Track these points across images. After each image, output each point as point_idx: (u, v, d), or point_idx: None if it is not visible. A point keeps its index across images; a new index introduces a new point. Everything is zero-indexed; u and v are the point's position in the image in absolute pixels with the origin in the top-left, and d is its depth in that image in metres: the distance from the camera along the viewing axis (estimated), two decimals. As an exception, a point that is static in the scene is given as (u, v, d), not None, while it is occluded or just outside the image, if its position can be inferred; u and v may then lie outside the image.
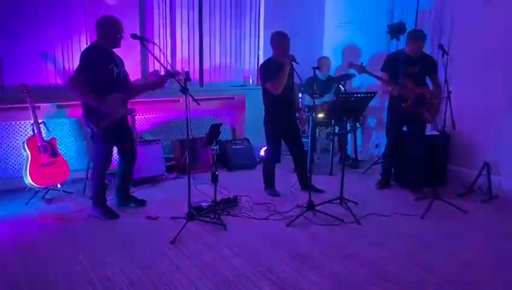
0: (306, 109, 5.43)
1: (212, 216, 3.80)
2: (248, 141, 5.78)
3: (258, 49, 6.29)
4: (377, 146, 6.04)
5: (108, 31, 3.61)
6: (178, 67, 5.52)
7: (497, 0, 4.47)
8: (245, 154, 5.64)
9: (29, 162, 4.15)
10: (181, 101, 5.13)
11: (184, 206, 3.85)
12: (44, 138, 4.27)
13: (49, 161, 4.24)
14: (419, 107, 4.34)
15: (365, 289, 2.77)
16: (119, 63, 3.75)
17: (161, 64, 3.84)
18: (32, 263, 3.02)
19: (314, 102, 4.26)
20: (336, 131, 5.64)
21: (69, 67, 4.91)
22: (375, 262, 3.12)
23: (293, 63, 4.19)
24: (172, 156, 5.38)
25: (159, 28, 5.44)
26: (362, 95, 4.07)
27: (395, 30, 5.28)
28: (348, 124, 5.56)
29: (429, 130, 4.91)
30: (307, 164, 4.69)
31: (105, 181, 3.97)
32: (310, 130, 5.20)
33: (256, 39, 6.26)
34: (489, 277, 2.96)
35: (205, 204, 3.96)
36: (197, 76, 5.80)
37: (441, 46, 4.16)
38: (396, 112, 4.53)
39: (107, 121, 3.59)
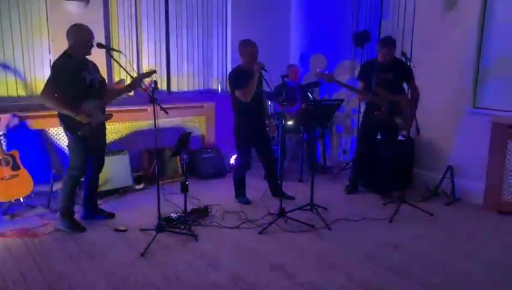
0: (275, 116, 5.47)
1: (183, 227, 3.74)
2: (218, 149, 5.75)
3: (226, 57, 6.29)
4: (344, 152, 6.15)
5: (79, 39, 3.56)
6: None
7: (455, 9, 4.65)
8: (215, 163, 5.61)
9: (-11, 176, 3.97)
10: (148, 110, 5.05)
11: (153, 217, 3.78)
12: (5, 151, 4.10)
13: (10, 174, 4.08)
14: (392, 115, 4.38)
15: (338, 294, 2.79)
16: (92, 69, 3.69)
17: (127, 72, 3.78)
18: (-6, 282, 2.89)
19: (283, 109, 4.29)
20: (305, 138, 5.69)
21: (30, 78, 4.76)
22: (347, 267, 3.15)
23: (262, 71, 4.22)
24: (140, 166, 5.27)
25: (125, 36, 5.35)
26: (330, 102, 4.14)
27: (360, 38, 5.41)
28: (317, 131, 5.64)
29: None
30: (277, 171, 4.71)
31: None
32: (279, 137, 5.23)
33: (224, 47, 6.27)
34: (458, 278, 3.05)
35: (175, 215, 3.90)
36: (164, 84, 5.74)
37: (404, 54, 4.29)
38: (371, 119, 4.59)
39: (84, 129, 3.53)
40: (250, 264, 3.19)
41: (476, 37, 4.54)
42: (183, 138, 3.71)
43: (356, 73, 4.92)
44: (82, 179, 3.88)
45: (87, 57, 3.70)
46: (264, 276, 3.01)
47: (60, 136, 4.80)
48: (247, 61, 4.32)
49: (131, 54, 5.38)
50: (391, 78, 4.42)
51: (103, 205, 4.32)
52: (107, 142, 4.21)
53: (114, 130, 5.19)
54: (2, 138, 4.17)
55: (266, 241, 3.60)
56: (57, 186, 4.46)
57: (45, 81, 3.57)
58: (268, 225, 3.80)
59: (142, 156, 5.27)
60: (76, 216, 3.88)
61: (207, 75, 6.18)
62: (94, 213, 4.04)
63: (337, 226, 3.92)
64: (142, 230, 3.76)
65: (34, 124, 4.60)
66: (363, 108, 4.94)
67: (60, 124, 3.63)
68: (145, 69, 5.40)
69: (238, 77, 4.29)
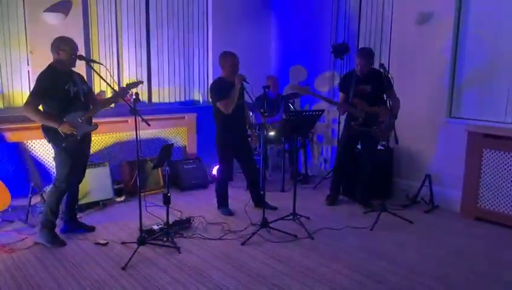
0: (257, 127, 5.50)
1: (165, 239, 3.72)
2: (200, 160, 5.74)
3: (208, 68, 6.31)
4: (325, 161, 6.21)
5: (63, 52, 3.56)
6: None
7: (430, 22, 4.80)
8: (197, 174, 5.59)
9: (-36, 191, 3.87)
10: (129, 121, 5.02)
11: (135, 230, 3.74)
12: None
13: (-13, 188, 3.98)
14: (369, 125, 4.45)
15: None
16: (78, 81, 3.68)
17: (108, 84, 3.76)
18: (-30, 300, 2.81)
19: (265, 120, 4.33)
20: (286, 148, 5.74)
21: (8, 90, 4.68)
22: (330, 276, 3.18)
23: (244, 82, 4.25)
24: (121, 178, 5.22)
25: (105, 47, 5.32)
26: (310, 113, 4.19)
27: (339, 50, 5.52)
28: (298, 141, 5.69)
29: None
30: (260, 181, 4.73)
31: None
32: (261, 148, 5.26)
33: (206, 58, 6.29)
34: (437, 283, 3.10)
35: (157, 227, 3.87)
36: (145, 96, 5.72)
37: (381, 65, 4.37)
38: (349, 130, 4.66)
39: (69, 140, 3.51)
40: (234, 275, 3.18)
41: (450, 49, 4.68)
42: (165, 149, 3.70)
43: (336, 84, 5.00)
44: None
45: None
46: (247, 288, 3.00)
47: (38, 148, 4.72)
48: (228, 72, 4.35)
49: (111, 66, 5.35)
50: (369, 90, 4.49)
51: (83, 218, 4.26)
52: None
53: (94, 141, 5.11)
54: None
55: (249, 252, 3.60)
56: (36, 200, 4.39)
57: (29, 93, 3.56)
58: (251, 236, 3.81)
59: (123, 168, 5.22)
60: (56, 230, 3.80)
61: (188, 86, 6.19)
62: (74, 226, 3.98)
63: (319, 235, 3.95)
64: (124, 243, 3.71)
65: (11, 137, 4.51)
66: (326, 118, 5.03)
67: (45, 137, 3.59)
68: (126, 80, 5.37)
69: (220, 89, 4.31)
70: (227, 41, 5.91)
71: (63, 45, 3.57)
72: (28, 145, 4.67)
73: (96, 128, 3.78)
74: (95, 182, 4.67)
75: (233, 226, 4.13)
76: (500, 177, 4.24)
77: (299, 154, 6.07)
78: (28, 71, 4.76)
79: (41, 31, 4.67)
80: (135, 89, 3.82)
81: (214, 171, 5.51)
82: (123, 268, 3.24)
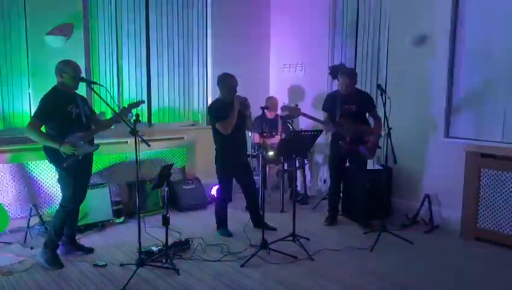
0: (256, 147, 5.52)
1: (164, 261, 3.69)
2: (199, 180, 5.74)
3: (207, 89, 6.37)
4: (324, 181, 6.21)
5: (67, 75, 3.64)
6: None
7: (426, 44, 4.87)
8: (196, 194, 5.58)
9: (-37, 212, 3.86)
10: (129, 142, 5.03)
11: (134, 251, 3.72)
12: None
13: (-14, 210, 3.97)
14: (357, 145, 4.54)
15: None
16: (80, 103, 3.74)
17: (108, 105, 3.80)
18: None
19: (264, 140, 4.35)
20: (285, 168, 5.74)
21: (8, 112, 4.71)
22: (329, 298, 3.15)
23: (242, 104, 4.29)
24: (120, 199, 5.21)
25: (106, 69, 5.39)
26: (309, 133, 4.23)
27: (336, 71, 5.58)
28: (297, 161, 5.70)
29: (372, 165, 5.15)
30: (259, 202, 4.72)
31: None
32: (260, 168, 5.28)
33: (205, 79, 6.35)
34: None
35: (156, 248, 3.85)
36: (145, 116, 5.76)
37: (379, 86, 4.44)
38: (336, 149, 4.72)
39: (70, 161, 3.53)
40: (233, 297, 3.16)
41: (446, 69, 4.74)
42: (164, 170, 3.71)
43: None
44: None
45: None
46: (248, 309, 2.98)
47: (38, 170, 4.72)
48: (226, 94, 4.40)
49: (112, 87, 5.40)
50: (354, 110, 4.59)
51: (82, 239, 4.24)
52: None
53: (94, 162, 5.12)
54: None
55: (249, 273, 3.58)
56: (34, 221, 4.37)
57: (32, 115, 3.63)
58: (251, 257, 3.78)
59: (122, 189, 5.21)
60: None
61: (187, 106, 6.23)
62: (73, 248, 3.96)
63: (319, 256, 3.93)
64: (122, 265, 3.69)
65: (11, 158, 4.52)
66: (325, 137, 5.08)
67: (46, 157, 3.63)
68: (126, 101, 5.42)
69: (218, 110, 4.35)
70: (226, 62, 5.99)
71: (66, 68, 3.64)
72: (27, 167, 4.67)
73: (97, 149, 3.80)
74: (94, 203, 4.65)
75: (233, 247, 4.11)
76: (499, 197, 4.25)
77: (298, 174, 6.08)
78: (29, 93, 4.80)
79: (43, 53, 4.73)
80: (135, 109, 3.86)
81: (213, 191, 5.51)
82: (122, 290, 3.22)
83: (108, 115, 5.05)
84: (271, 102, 5.87)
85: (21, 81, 4.76)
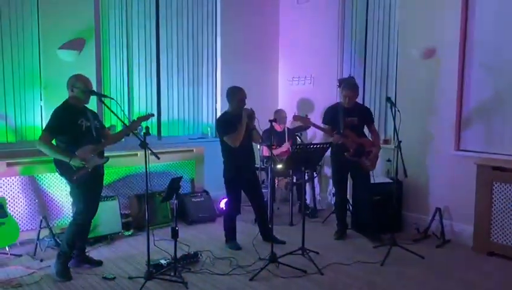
0: (264, 160, 5.51)
1: (173, 274, 3.68)
2: (207, 193, 5.74)
3: (216, 102, 6.41)
4: (333, 194, 6.16)
5: (78, 89, 3.70)
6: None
7: (434, 56, 4.87)
8: (205, 207, 5.57)
9: (-26, 224, 3.90)
10: (139, 155, 5.07)
11: (142, 264, 3.71)
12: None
13: (-3, 222, 4.01)
14: (359, 156, 4.55)
15: None
16: (91, 117, 3.80)
17: (119, 118, 3.84)
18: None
19: (272, 153, 4.35)
20: (294, 181, 5.72)
21: (21, 125, 4.78)
22: (339, 313, 3.11)
23: (250, 116, 4.30)
24: (129, 212, 5.22)
25: (116, 83, 5.46)
26: (318, 146, 4.22)
27: (345, 84, 5.58)
28: (306, 174, 5.68)
29: (382, 178, 5.12)
30: (268, 215, 4.70)
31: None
32: (269, 181, 5.26)
33: (214, 92, 6.40)
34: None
35: (165, 261, 3.84)
36: (155, 129, 5.80)
37: (388, 99, 4.43)
38: (339, 162, 4.72)
39: (80, 174, 3.57)
40: (242, 312, 3.13)
41: (456, 82, 4.72)
42: (174, 182, 3.72)
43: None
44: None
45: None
46: (256, 324, 2.95)
47: (49, 182, 4.76)
48: (235, 107, 4.42)
49: (122, 100, 5.46)
50: (356, 122, 4.63)
51: (91, 252, 4.24)
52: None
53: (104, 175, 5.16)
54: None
55: (257, 287, 3.55)
56: (44, 233, 4.39)
57: (43, 128, 3.70)
58: (260, 271, 3.76)
59: (132, 202, 5.23)
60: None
61: (197, 119, 6.27)
62: (81, 261, 3.96)
63: (329, 270, 3.89)
64: (131, 278, 3.68)
65: (23, 171, 4.57)
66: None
67: (56, 170, 3.68)
68: (136, 114, 5.47)
69: (227, 123, 4.37)
70: (235, 75, 6.03)
71: (77, 83, 3.71)
72: (38, 179, 4.71)
73: (107, 161, 3.83)
74: (103, 216, 4.66)
75: (241, 260, 4.09)
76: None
77: (307, 187, 6.05)
78: (41, 106, 4.87)
79: (55, 67, 4.81)
80: (145, 122, 3.90)
81: (222, 204, 5.50)
82: (130, 304, 3.21)
83: (119, 128, 5.10)
84: (279, 115, 5.88)
85: (33, 95, 4.84)
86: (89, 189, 3.72)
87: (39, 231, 4.31)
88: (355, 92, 4.66)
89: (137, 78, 5.65)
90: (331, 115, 4.71)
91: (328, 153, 4.64)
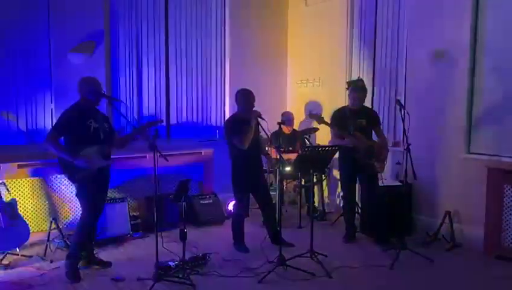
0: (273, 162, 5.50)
1: (181, 276, 3.68)
2: (216, 195, 5.74)
3: (224, 105, 6.43)
4: (342, 197, 6.14)
5: (88, 91, 3.74)
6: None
7: (444, 58, 4.83)
8: (213, 210, 5.57)
9: (-15, 225, 3.94)
10: (148, 157, 5.09)
11: (151, 266, 3.73)
12: (4, 200, 4.09)
13: (8, 223, 4.04)
14: (370, 158, 4.54)
15: None
16: (101, 119, 3.83)
17: (128, 121, 3.87)
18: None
19: (280, 156, 4.36)
20: (303, 183, 5.71)
21: (31, 127, 4.83)
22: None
23: (259, 119, 4.31)
24: (138, 214, 5.24)
25: (126, 85, 5.50)
26: (326, 148, 4.21)
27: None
28: (314, 176, 5.66)
29: (391, 181, 5.10)
30: (276, 217, 4.70)
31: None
32: (277, 183, 5.25)
33: (222, 95, 6.42)
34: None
35: (173, 263, 3.84)
36: (164, 132, 5.83)
37: (398, 102, 4.41)
38: (348, 164, 4.71)
39: (82, 174, 3.59)
40: (250, 314, 3.12)
41: (467, 84, 4.68)
42: (182, 185, 3.73)
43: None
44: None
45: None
46: (265, 327, 2.94)
47: (59, 184, 4.80)
48: (244, 109, 4.43)
49: (131, 103, 5.50)
50: (365, 124, 4.62)
51: (100, 253, 4.26)
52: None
53: (112, 177, 5.16)
54: (1, 186, 4.17)
55: (266, 290, 3.55)
56: (54, 235, 4.43)
57: (51, 127, 3.75)
58: (268, 274, 3.75)
59: (141, 204, 5.25)
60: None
61: (205, 122, 6.30)
62: (91, 262, 3.98)
63: (337, 273, 3.87)
64: (140, 279, 3.70)
65: (33, 173, 4.61)
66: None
67: (61, 169, 3.72)
68: (145, 117, 5.51)
69: (235, 125, 4.38)
70: (243, 78, 6.04)
71: (88, 85, 3.75)
72: (48, 181, 4.76)
73: (111, 164, 3.85)
74: (112, 218, 4.70)
75: (250, 263, 4.09)
76: (523, 214, 4.14)
77: (316, 190, 6.03)
78: (52, 109, 4.92)
79: (66, 70, 4.86)
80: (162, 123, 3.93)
81: (230, 207, 5.50)
82: (138, 305, 3.22)
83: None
84: (287, 117, 5.88)
85: (44, 98, 4.89)
86: (93, 190, 3.74)
87: (49, 232, 4.35)
88: (364, 94, 4.67)
89: (146, 80, 5.69)
90: (339, 118, 4.70)
91: (337, 155, 4.63)
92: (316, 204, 5.90)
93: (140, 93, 5.65)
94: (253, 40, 6.48)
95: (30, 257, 4.20)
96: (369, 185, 4.73)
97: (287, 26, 6.90)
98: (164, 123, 5.85)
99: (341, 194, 6.00)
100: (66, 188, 4.81)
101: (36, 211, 4.68)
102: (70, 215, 4.83)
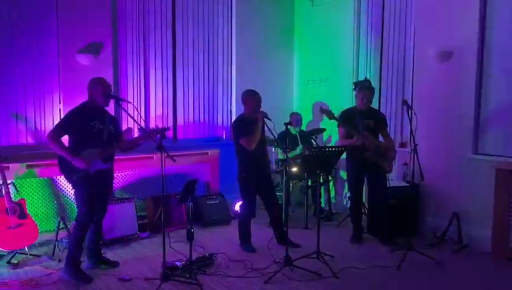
0: (279, 163, 5.51)
1: (188, 276, 3.70)
2: (222, 196, 5.75)
3: (231, 105, 6.45)
4: (349, 198, 6.13)
5: (97, 92, 3.75)
6: (152, 124, 5.55)
7: (451, 58, 4.81)
8: (219, 210, 5.58)
9: (-5, 225, 3.99)
10: (155, 158, 5.12)
11: (158, 266, 3.75)
12: (13, 199, 4.14)
13: (17, 223, 4.08)
14: (378, 157, 4.53)
15: None
16: (107, 120, 3.81)
17: (136, 121, 3.88)
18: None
19: (287, 156, 4.36)
20: (309, 184, 5.71)
21: (40, 127, 4.88)
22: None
23: (265, 119, 4.32)
24: (145, 214, 5.27)
25: (133, 86, 5.53)
26: (333, 149, 4.21)
27: (361, 86, 5.55)
28: (321, 177, 5.66)
29: (398, 182, 5.08)
30: (282, 218, 4.70)
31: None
32: (283, 184, 5.26)
33: (229, 96, 6.44)
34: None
35: (180, 263, 3.86)
36: (170, 132, 5.85)
37: (405, 102, 4.39)
38: (355, 165, 4.70)
39: (80, 175, 3.60)
40: (257, 314, 3.13)
41: (474, 85, 4.66)
42: (189, 185, 3.74)
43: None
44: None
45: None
46: (271, 327, 2.94)
47: (66, 184, 4.83)
48: (250, 110, 4.44)
49: (139, 103, 5.53)
50: (373, 124, 4.62)
51: (107, 253, 4.29)
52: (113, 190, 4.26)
53: (120, 177, 5.23)
54: (10, 186, 4.20)
55: (272, 290, 3.55)
56: (62, 234, 4.46)
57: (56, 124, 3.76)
58: (274, 274, 3.75)
59: (147, 204, 5.28)
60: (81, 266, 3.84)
61: (212, 122, 6.32)
62: (98, 262, 4.01)
63: (344, 274, 3.86)
64: (147, 279, 3.72)
65: (42, 173, 4.65)
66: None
67: (59, 168, 3.72)
68: (152, 117, 5.54)
69: (242, 126, 4.39)
70: (250, 78, 6.05)
71: (97, 86, 3.75)
72: (57, 181, 4.80)
73: (110, 167, 3.85)
74: (120, 218, 4.73)
75: (256, 263, 4.09)
76: (531, 215, 4.11)
77: (322, 190, 6.02)
78: (60, 109, 4.96)
79: (73, 70, 4.90)
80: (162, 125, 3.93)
81: (237, 207, 5.51)
82: (146, 305, 3.24)
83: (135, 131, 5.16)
84: (294, 118, 5.88)
85: (52, 98, 4.93)
86: (90, 192, 3.71)
87: (57, 232, 4.38)
88: (372, 94, 4.67)
89: (153, 81, 5.72)
90: (347, 118, 4.69)
91: (344, 156, 4.62)
92: (323, 205, 5.89)
93: (147, 94, 5.68)
94: (260, 40, 6.49)
95: (38, 256, 4.24)
96: (377, 185, 4.71)
97: (294, 27, 6.90)
98: (171, 123, 5.88)
99: (348, 194, 5.99)
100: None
101: (44, 210, 4.72)
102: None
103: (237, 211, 5.45)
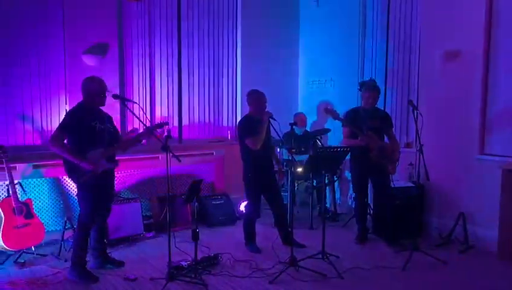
0: (284, 163, 5.51)
1: (193, 276, 3.71)
2: (227, 196, 5.76)
3: (236, 106, 6.45)
4: (354, 198, 6.11)
5: (92, 91, 3.73)
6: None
7: (458, 58, 4.78)
8: (225, 210, 5.60)
9: (2, 225, 4.01)
10: (160, 158, 5.12)
11: (164, 266, 3.76)
12: (20, 199, 4.17)
13: (23, 222, 4.11)
14: (382, 158, 4.52)
15: None
16: (105, 120, 3.82)
17: (141, 121, 3.90)
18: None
19: (292, 157, 4.36)
20: (314, 184, 5.70)
21: (47, 128, 4.90)
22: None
23: (270, 119, 4.33)
24: (151, 213, 5.29)
25: (139, 86, 5.55)
26: (338, 149, 4.20)
27: (366, 87, 5.54)
28: (326, 177, 5.65)
29: (404, 182, 5.06)
30: (288, 218, 4.70)
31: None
32: (289, 184, 5.26)
33: (234, 96, 6.44)
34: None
35: (185, 263, 3.87)
36: (175, 133, 5.86)
37: (410, 102, 4.39)
38: (360, 165, 4.70)
39: (87, 176, 3.60)
40: (262, 315, 3.13)
41: (480, 85, 4.63)
42: (194, 185, 3.76)
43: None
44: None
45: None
46: (276, 327, 2.95)
47: (72, 184, 4.86)
48: (256, 110, 4.45)
49: (144, 103, 5.55)
50: (378, 125, 4.61)
51: (113, 253, 4.31)
52: (117, 190, 4.26)
53: (125, 177, 5.25)
54: (17, 186, 4.23)
55: (277, 290, 3.55)
56: (69, 234, 4.49)
57: (56, 128, 3.75)
58: (279, 274, 3.76)
59: (153, 204, 5.29)
60: (86, 266, 3.86)
61: (217, 123, 6.33)
62: (103, 262, 4.02)
63: (349, 275, 3.86)
64: (152, 279, 3.73)
65: (48, 173, 4.68)
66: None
67: (65, 171, 3.72)
68: (158, 117, 5.56)
69: (248, 126, 4.40)
70: (255, 78, 6.06)
71: (92, 85, 3.74)
72: (63, 181, 4.82)
73: (116, 166, 3.86)
74: (126, 217, 4.75)
75: (261, 263, 4.10)
76: (538, 216, 4.08)
77: (327, 191, 6.02)
78: (66, 110, 4.98)
79: (80, 71, 4.92)
80: (168, 126, 3.94)
81: (242, 207, 5.52)
82: (151, 305, 3.25)
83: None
84: (299, 118, 5.88)
85: (58, 98, 4.96)
86: (96, 192, 3.72)
87: (63, 231, 4.41)
88: (377, 93, 4.67)
89: (159, 81, 5.73)
90: (353, 118, 4.69)
91: (348, 156, 4.62)
92: (328, 205, 5.89)
93: (153, 94, 5.69)
94: (265, 40, 6.48)
95: (45, 256, 4.26)
96: (382, 186, 4.71)
97: (299, 27, 6.89)
98: (176, 123, 5.89)
99: (353, 195, 5.98)
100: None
101: (51, 210, 4.75)
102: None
103: (242, 211, 5.46)
